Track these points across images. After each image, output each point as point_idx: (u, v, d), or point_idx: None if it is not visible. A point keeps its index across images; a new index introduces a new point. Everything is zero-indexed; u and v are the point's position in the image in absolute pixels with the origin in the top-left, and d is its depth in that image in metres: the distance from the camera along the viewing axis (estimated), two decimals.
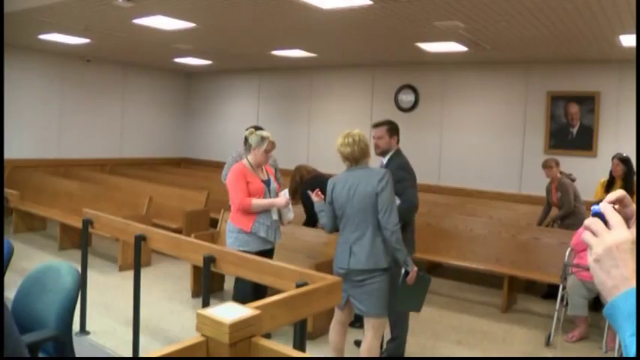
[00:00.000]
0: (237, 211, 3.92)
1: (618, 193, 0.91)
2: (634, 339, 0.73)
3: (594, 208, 0.87)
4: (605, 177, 5.60)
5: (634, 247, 0.82)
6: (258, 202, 3.87)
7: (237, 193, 3.86)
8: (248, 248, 3.79)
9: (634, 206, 0.93)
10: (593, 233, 0.85)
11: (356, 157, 3.26)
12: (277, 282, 2.79)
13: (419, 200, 3.78)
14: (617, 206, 0.90)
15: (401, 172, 3.67)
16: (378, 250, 3.18)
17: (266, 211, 3.91)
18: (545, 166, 5.68)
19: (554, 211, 5.76)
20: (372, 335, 3.28)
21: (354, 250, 3.18)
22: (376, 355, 3.34)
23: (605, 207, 0.86)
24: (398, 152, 3.84)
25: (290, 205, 4.01)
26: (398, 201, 3.61)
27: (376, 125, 3.85)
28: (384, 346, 3.87)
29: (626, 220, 0.90)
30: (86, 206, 4.61)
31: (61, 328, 2.33)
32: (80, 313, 4.05)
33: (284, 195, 3.96)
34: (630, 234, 0.83)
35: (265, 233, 3.90)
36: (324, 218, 3.46)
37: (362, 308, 3.26)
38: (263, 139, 3.94)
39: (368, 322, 3.30)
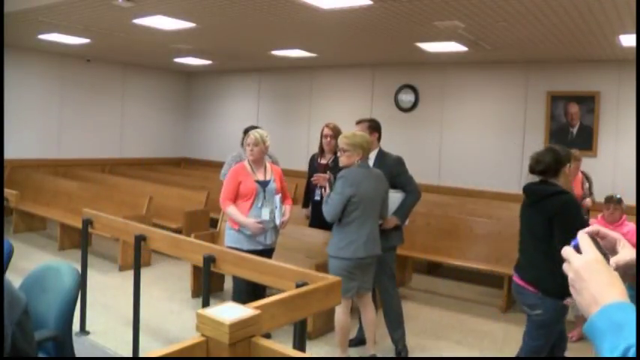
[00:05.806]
0: None
1: (591, 229, 0.95)
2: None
3: (573, 241, 0.92)
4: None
5: (599, 266, 0.85)
6: (233, 211, 3.91)
7: (223, 193, 3.99)
8: (239, 246, 3.83)
9: (613, 234, 0.99)
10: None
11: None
12: (277, 282, 2.79)
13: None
14: (600, 240, 0.95)
15: (401, 167, 3.99)
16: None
17: (256, 209, 3.92)
18: (579, 159, 5.43)
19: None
20: (373, 305, 3.83)
21: (376, 239, 3.66)
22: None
23: (580, 236, 0.91)
24: (382, 151, 4.05)
25: (276, 211, 3.97)
26: (401, 193, 3.93)
27: (358, 122, 4.13)
28: (397, 344, 4.02)
29: (612, 248, 0.96)
30: (86, 206, 4.61)
31: (60, 328, 2.33)
32: (80, 313, 4.05)
33: (266, 215, 3.92)
34: (594, 254, 0.87)
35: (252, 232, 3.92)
36: (334, 209, 3.53)
37: (371, 285, 3.76)
38: (246, 136, 4.19)
39: (369, 296, 3.77)
